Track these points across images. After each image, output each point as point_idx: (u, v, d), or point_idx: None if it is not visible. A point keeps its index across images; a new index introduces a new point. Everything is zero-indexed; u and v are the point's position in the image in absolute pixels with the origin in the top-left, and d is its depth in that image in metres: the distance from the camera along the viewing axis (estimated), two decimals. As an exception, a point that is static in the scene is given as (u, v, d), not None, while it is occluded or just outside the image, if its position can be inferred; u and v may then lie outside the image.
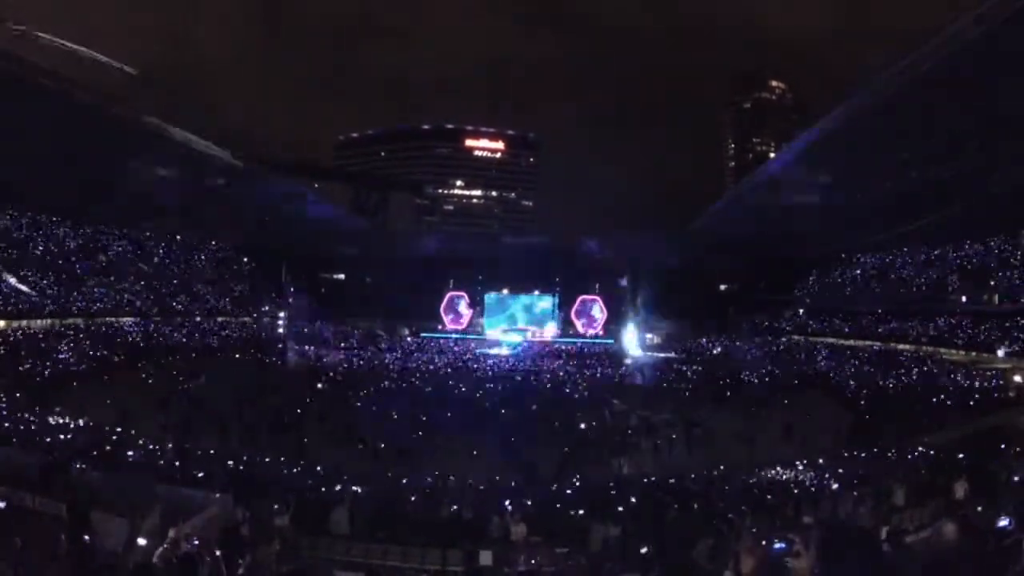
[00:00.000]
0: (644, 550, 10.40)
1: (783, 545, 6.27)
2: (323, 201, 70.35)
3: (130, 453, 17.76)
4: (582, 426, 28.28)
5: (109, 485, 11.38)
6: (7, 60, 30.45)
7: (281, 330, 59.57)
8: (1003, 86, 28.28)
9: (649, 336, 63.93)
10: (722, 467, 20.37)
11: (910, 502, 13.21)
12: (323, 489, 16.09)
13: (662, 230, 76.67)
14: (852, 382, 38.08)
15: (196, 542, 7.28)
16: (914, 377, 37.30)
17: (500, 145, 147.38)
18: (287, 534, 11.20)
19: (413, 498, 15.26)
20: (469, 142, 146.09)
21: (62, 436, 19.30)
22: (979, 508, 9.98)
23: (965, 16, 25.53)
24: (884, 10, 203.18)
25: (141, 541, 7.27)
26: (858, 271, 59.20)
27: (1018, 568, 4.48)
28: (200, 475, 15.34)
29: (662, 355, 56.14)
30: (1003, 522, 4.37)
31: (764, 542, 7.87)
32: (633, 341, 61.22)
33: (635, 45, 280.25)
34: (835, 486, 15.79)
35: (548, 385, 40.75)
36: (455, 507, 13.83)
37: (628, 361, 53.07)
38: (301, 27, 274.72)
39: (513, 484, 18.47)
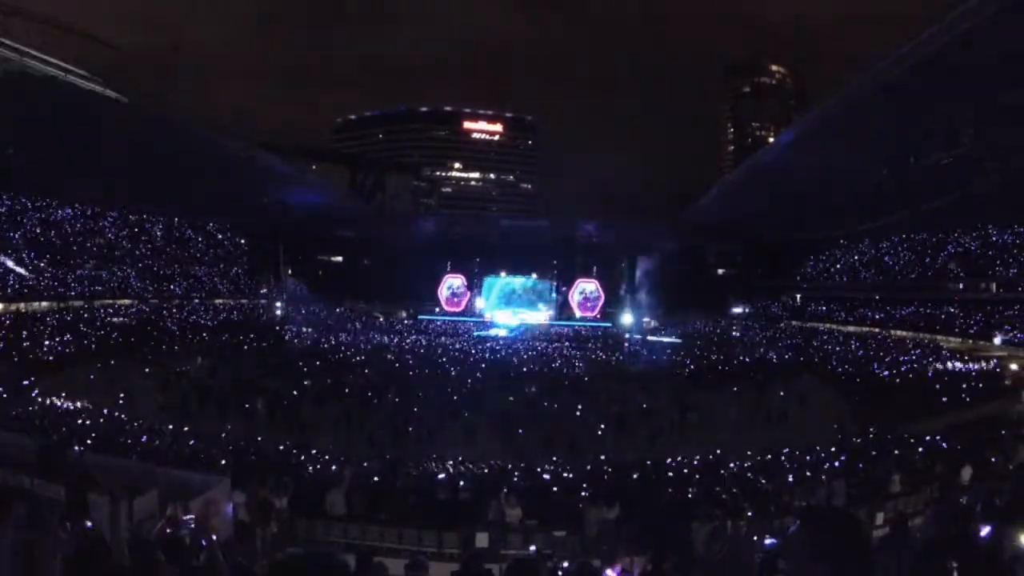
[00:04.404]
0: (640, 534, 10.47)
1: (775, 541, 6.25)
2: (320, 183, 70.11)
3: (128, 435, 17.82)
4: (580, 409, 28.34)
5: (107, 468, 11.41)
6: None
7: (279, 312, 59.56)
8: (1002, 74, 28.16)
9: (646, 320, 64.03)
10: (718, 452, 20.46)
11: (905, 489, 13.28)
12: (320, 471, 16.16)
13: (660, 214, 76.59)
14: (848, 368, 38.19)
15: (192, 525, 7.30)
16: (911, 364, 37.38)
17: (498, 128, 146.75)
18: (284, 516, 11.27)
19: (410, 481, 15.33)
20: (467, 124, 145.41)
21: (61, 418, 19.36)
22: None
23: (965, 3, 25.37)
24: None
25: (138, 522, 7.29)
26: (855, 257, 59.23)
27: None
28: (198, 457, 15.40)
29: (666, 340, 56.02)
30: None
31: (756, 537, 7.89)
32: (630, 325, 61.31)
33: (634, 29, 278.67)
34: (830, 472, 15.86)
35: (545, 368, 40.80)
36: (451, 490, 13.90)
37: (626, 344, 53.21)
38: (298, 10, 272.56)
39: (509, 467, 18.55)
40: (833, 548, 1.94)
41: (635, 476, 16.69)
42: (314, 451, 19.43)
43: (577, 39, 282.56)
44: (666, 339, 56.01)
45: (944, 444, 17.82)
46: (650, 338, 56.74)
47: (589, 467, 18.82)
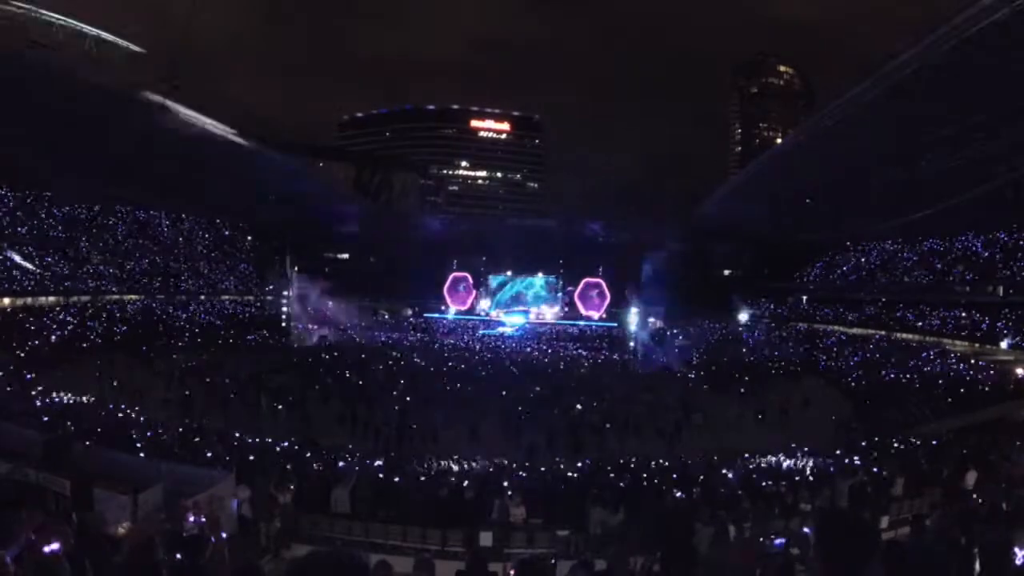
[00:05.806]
0: (643, 534, 10.46)
1: (783, 540, 6.23)
2: (326, 180, 70.14)
3: (134, 430, 17.88)
4: (581, 409, 28.32)
5: (113, 462, 11.46)
6: (7, 38, 30.33)
7: (285, 309, 59.62)
8: (1012, 76, 28.01)
9: (652, 320, 63.80)
10: (723, 452, 20.42)
11: (908, 492, 13.25)
12: (325, 468, 16.19)
13: (667, 214, 76.30)
14: (854, 370, 38.04)
15: (203, 520, 7.34)
16: (916, 367, 37.20)
17: (505, 126, 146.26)
18: (289, 512, 11.30)
19: (414, 479, 15.35)
20: (474, 123, 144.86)
21: (67, 413, 19.44)
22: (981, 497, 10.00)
23: (974, 5, 25.23)
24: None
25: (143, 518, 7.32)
26: (862, 259, 58.99)
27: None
28: (203, 453, 15.45)
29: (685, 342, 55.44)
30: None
31: (762, 539, 7.86)
32: (636, 325, 61.11)
33: (636, 30, 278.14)
34: (834, 474, 15.82)
35: (550, 367, 40.78)
36: (456, 488, 13.91)
37: (632, 344, 53.09)
38: (300, 8, 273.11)
39: (514, 466, 18.56)
40: (843, 550, 1.95)
41: (639, 476, 16.67)
42: (319, 448, 19.47)
43: (579, 40, 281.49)
44: (685, 341, 55.66)
45: (949, 447, 17.77)
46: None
47: (593, 467, 18.80)
